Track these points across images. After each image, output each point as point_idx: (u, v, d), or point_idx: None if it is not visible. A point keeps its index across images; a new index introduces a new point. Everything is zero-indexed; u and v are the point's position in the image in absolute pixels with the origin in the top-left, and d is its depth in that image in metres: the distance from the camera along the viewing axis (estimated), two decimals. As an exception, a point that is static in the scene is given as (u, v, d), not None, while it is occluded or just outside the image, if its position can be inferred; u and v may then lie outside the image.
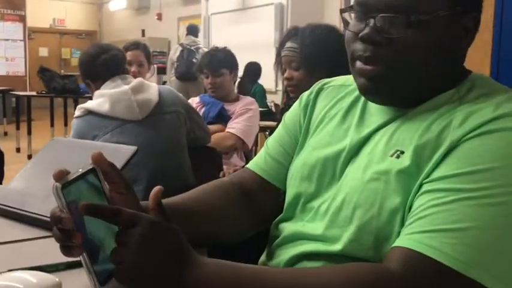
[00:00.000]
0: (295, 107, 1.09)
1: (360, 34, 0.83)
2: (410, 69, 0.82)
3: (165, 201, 0.89)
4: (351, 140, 0.90)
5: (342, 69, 1.66)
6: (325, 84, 1.06)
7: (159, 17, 7.30)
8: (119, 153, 1.34)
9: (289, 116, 1.09)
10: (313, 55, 1.76)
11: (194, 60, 5.29)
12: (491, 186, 0.71)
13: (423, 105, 0.85)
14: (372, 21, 0.81)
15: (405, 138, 0.82)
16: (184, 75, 5.50)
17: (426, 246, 0.69)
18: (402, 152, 0.81)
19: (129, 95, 1.98)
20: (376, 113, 0.91)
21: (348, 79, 1.04)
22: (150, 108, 2.01)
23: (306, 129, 1.03)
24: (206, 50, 5.52)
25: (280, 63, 1.93)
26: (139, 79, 2.11)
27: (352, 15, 0.88)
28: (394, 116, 0.88)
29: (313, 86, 1.08)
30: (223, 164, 2.51)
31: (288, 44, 1.87)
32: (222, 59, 2.72)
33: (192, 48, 5.46)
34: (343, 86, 1.03)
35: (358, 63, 0.85)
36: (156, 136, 2.00)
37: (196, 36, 5.63)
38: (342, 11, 0.90)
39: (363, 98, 0.96)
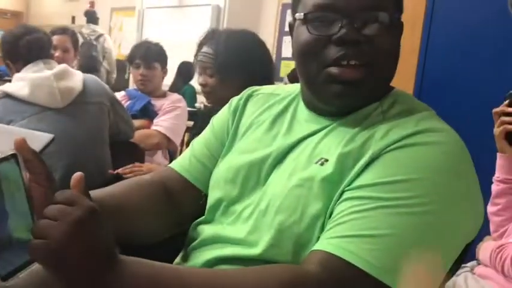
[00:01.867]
0: (224, 110, 1.08)
1: (337, 36, 0.81)
2: (383, 69, 0.85)
3: (93, 192, 0.86)
4: (278, 146, 0.91)
5: (257, 79, 1.67)
6: (255, 91, 1.07)
7: (92, 5, 7.04)
8: (34, 139, 1.27)
9: (218, 119, 1.09)
10: (226, 64, 1.71)
11: (94, 53, 5.16)
12: (409, 196, 0.73)
13: (349, 117, 0.87)
14: (344, 22, 0.81)
15: (330, 147, 0.84)
16: (84, 70, 5.30)
17: (344, 250, 0.71)
18: (326, 160, 0.82)
19: (51, 81, 1.89)
20: (305, 122, 0.93)
21: (277, 88, 1.05)
22: (72, 96, 1.93)
23: (234, 133, 1.02)
24: (107, 37, 5.39)
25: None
26: (63, 65, 2.01)
27: (305, 23, 0.85)
28: (322, 125, 0.89)
29: (243, 91, 1.08)
30: (146, 161, 2.45)
31: (204, 49, 1.81)
32: (157, 52, 2.67)
33: (92, 38, 5.29)
34: (273, 94, 1.03)
35: (334, 69, 0.83)
36: (76, 126, 1.92)
37: (96, 23, 5.49)
38: (305, 16, 0.85)
39: (292, 107, 0.97)
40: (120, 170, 2.04)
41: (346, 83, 0.83)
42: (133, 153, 2.26)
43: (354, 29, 0.81)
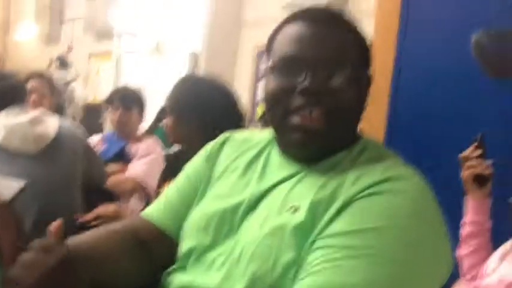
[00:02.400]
0: (199, 156, 1.08)
1: (301, 86, 0.84)
2: (343, 120, 0.87)
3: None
4: (251, 193, 0.91)
5: (216, 121, 1.70)
6: (229, 136, 1.07)
7: (69, 50, 7.08)
8: (5, 186, 1.26)
9: (192, 165, 1.08)
10: (179, 104, 1.76)
11: (60, 100, 5.14)
12: (379, 244, 0.74)
13: (320, 164, 0.88)
14: (307, 74, 0.84)
15: (302, 195, 0.85)
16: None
17: None
18: (298, 208, 0.83)
19: (26, 127, 1.88)
20: (277, 168, 0.93)
21: (252, 134, 1.06)
22: (46, 142, 1.92)
23: (208, 179, 1.02)
24: (75, 86, 5.36)
25: None
26: (39, 110, 2.01)
27: (274, 71, 0.89)
28: (294, 172, 0.90)
29: (218, 137, 1.09)
30: (120, 207, 2.42)
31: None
32: (134, 97, 2.70)
33: (61, 84, 5.27)
34: (247, 139, 1.04)
35: (295, 118, 0.85)
36: (49, 172, 1.90)
37: (66, 69, 5.49)
38: (271, 67, 0.89)
39: (265, 153, 0.98)
40: (85, 218, 2.01)
41: (307, 131, 0.85)
42: (107, 199, 2.24)
43: (316, 81, 0.83)
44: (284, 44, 0.88)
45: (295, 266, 0.79)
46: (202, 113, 1.70)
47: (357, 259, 0.73)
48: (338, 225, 0.78)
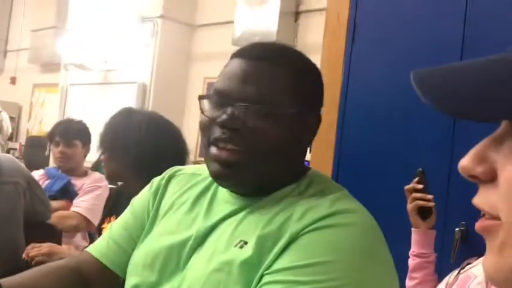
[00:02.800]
0: (145, 191, 1.07)
1: (218, 120, 0.86)
2: (261, 157, 0.86)
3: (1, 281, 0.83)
4: (198, 229, 0.90)
5: (147, 157, 1.67)
6: (177, 171, 1.07)
7: (13, 81, 6.89)
8: None
9: (138, 200, 1.07)
10: (107, 141, 1.74)
11: None
12: (324, 279, 0.75)
13: (267, 198, 0.89)
14: (229, 109, 0.85)
15: (249, 229, 0.85)
16: None
17: None
18: (246, 243, 0.83)
19: (-38, 161, 1.80)
20: (224, 202, 0.93)
21: (199, 168, 1.06)
22: (-15, 177, 1.84)
23: (154, 215, 1.01)
24: (4, 115, 5.21)
25: None
26: (-24, 145, 1.93)
27: (207, 102, 0.91)
28: (241, 206, 0.90)
29: (165, 172, 1.08)
30: (63, 243, 2.33)
31: None
32: (78, 129, 2.64)
33: None
34: (194, 174, 1.04)
35: (213, 149, 0.87)
36: (-12, 208, 1.82)
37: None
38: (200, 97, 0.92)
39: (213, 188, 0.98)
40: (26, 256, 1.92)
41: (222, 163, 0.86)
42: (50, 235, 2.15)
43: (234, 117, 0.85)
44: (219, 79, 0.91)
45: None
46: (131, 149, 1.68)
47: None
48: (285, 260, 0.78)
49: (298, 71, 0.90)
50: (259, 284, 0.78)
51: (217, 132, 0.86)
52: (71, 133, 2.60)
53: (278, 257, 0.79)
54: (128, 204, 1.61)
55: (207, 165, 0.91)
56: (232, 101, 0.86)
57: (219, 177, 0.89)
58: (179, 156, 1.74)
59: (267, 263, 0.79)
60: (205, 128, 0.89)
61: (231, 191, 0.93)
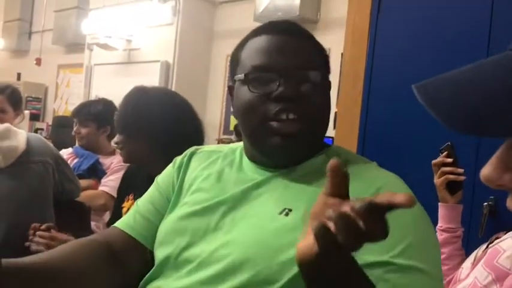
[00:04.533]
0: (169, 168, 1.10)
1: (276, 93, 0.88)
2: (316, 124, 0.92)
3: (25, 259, 0.85)
4: (231, 194, 0.93)
5: (171, 136, 1.64)
6: (197, 149, 1.10)
7: (38, 62, 6.97)
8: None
9: (162, 177, 1.10)
10: (129, 120, 1.68)
11: None
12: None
13: (299, 167, 0.92)
14: (280, 81, 0.88)
15: (294, 198, 0.87)
16: None
17: None
18: (290, 210, 0.85)
19: (-8, 142, 1.84)
20: (252, 173, 0.96)
21: (220, 147, 1.10)
22: (15, 156, 1.88)
23: (179, 188, 1.03)
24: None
25: None
26: (6, 125, 1.96)
27: (241, 83, 0.94)
28: (272, 175, 0.93)
29: (187, 150, 1.11)
30: (92, 221, 2.38)
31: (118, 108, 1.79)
32: (91, 111, 2.68)
33: None
34: (215, 151, 1.07)
35: (274, 123, 0.89)
36: (18, 186, 1.86)
37: None
38: (246, 77, 0.92)
39: (236, 161, 1.00)
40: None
41: (286, 135, 0.89)
42: (79, 213, 2.20)
43: (290, 87, 0.89)
44: (253, 57, 0.93)
45: (291, 263, 0.78)
46: (150, 130, 1.64)
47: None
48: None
49: (316, 42, 0.97)
50: None
51: (273, 106, 0.89)
52: (84, 114, 2.69)
53: None
54: (145, 182, 1.62)
55: (260, 142, 0.92)
56: (280, 73, 0.89)
57: (280, 150, 0.91)
58: (198, 133, 1.72)
59: None
60: (257, 105, 0.90)
61: (259, 164, 0.95)
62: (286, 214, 0.85)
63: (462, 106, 0.39)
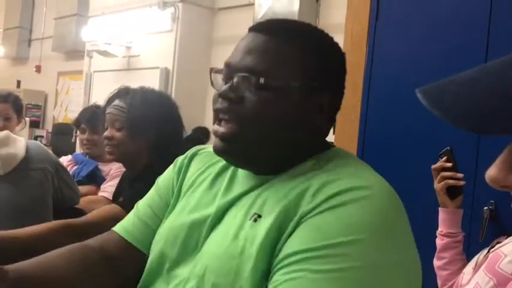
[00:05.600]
0: (169, 170, 1.08)
1: (219, 92, 0.86)
2: (258, 131, 0.85)
3: (16, 265, 0.85)
4: (217, 205, 0.90)
5: (165, 140, 1.67)
6: (200, 149, 1.08)
7: (38, 69, 6.98)
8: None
9: (163, 178, 1.09)
10: (139, 117, 1.71)
11: None
12: (338, 262, 0.71)
13: (286, 174, 0.87)
14: (231, 80, 0.86)
15: (264, 203, 0.83)
16: None
17: None
18: (259, 216, 0.82)
19: (-9, 149, 1.83)
20: (242, 179, 0.93)
21: None
22: (14, 163, 1.87)
23: (178, 191, 1.02)
24: None
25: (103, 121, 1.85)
26: (5, 132, 1.96)
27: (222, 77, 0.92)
28: (258, 183, 0.89)
29: (189, 150, 1.09)
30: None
31: (116, 102, 1.80)
32: (103, 117, 2.66)
33: None
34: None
35: (215, 125, 0.88)
36: (17, 194, 1.85)
37: None
38: (211, 71, 0.93)
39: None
40: None
41: (220, 137, 0.87)
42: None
43: (229, 87, 0.85)
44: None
45: (259, 275, 0.77)
46: (155, 132, 1.67)
47: (318, 276, 0.70)
48: (296, 243, 0.75)
49: (308, 47, 0.87)
50: (275, 268, 0.76)
51: (217, 104, 0.87)
52: (96, 120, 2.63)
53: (291, 234, 0.77)
54: (129, 187, 1.63)
55: None
56: (233, 72, 0.86)
57: (218, 152, 0.88)
58: (182, 131, 1.77)
59: (283, 238, 0.77)
60: (213, 101, 0.90)
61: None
62: (255, 220, 0.81)
63: (469, 104, 0.38)
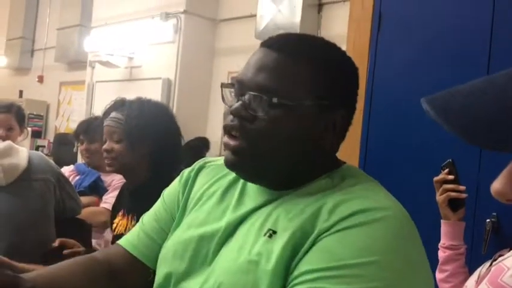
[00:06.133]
0: (175, 182, 1.07)
1: (231, 108, 0.86)
2: (269, 148, 0.85)
3: (27, 275, 0.85)
4: (228, 220, 0.90)
5: (164, 151, 1.68)
6: (207, 162, 1.07)
7: (40, 79, 7.00)
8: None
9: (168, 192, 1.07)
10: (138, 129, 1.71)
11: None
12: (355, 281, 0.71)
13: (299, 190, 0.87)
14: (243, 97, 0.85)
15: (279, 220, 0.83)
16: None
17: None
18: (274, 232, 0.81)
19: (-7, 159, 1.83)
20: (254, 194, 0.92)
21: None
22: (16, 174, 1.87)
23: (184, 206, 1.01)
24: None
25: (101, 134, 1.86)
26: (7, 142, 1.96)
27: (232, 92, 0.92)
28: (270, 198, 0.89)
29: (195, 163, 1.08)
30: (94, 238, 2.37)
31: (113, 114, 1.81)
32: (100, 127, 2.68)
33: None
34: (223, 166, 1.00)
35: (225, 137, 0.88)
36: (19, 204, 1.85)
37: None
38: (222, 86, 0.93)
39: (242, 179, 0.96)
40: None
41: (231, 150, 0.87)
42: (81, 230, 2.19)
43: (241, 105, 0.85)
44: (242, 68, 0.91)
45: None
46: (154, 142, 1.68)
47: None
48: (312, 261, 0.75)
49: (319, 64, 0.86)
50: (290, 281, 0.76)
51: (229, 120, 0.87)
52: (92, 131, 2.66)
53: (308, 251, 0.77)
54: (131, 198, 1.62)
55: None
56: (245, 89, 0.86)
57: (228, 165, 0.88)
58: (180, 140, 1.79)
59: (298, 255, 0.77)
60: (224, 116, 0.89)
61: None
62: (270, 236, 0.81)
63: (476, 118, 0.38)
